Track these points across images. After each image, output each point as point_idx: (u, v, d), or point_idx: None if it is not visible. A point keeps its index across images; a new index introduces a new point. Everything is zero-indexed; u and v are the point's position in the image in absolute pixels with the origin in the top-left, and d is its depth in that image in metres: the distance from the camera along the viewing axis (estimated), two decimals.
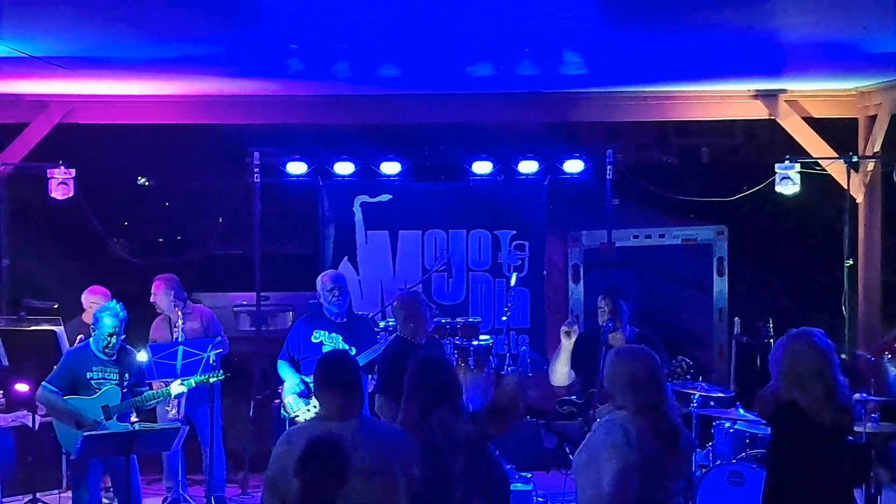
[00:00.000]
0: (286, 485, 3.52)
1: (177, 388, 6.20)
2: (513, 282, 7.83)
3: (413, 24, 5.51)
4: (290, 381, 6.51)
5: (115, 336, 5.86)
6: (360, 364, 5.72)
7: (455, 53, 6.50)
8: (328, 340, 6.48)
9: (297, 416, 6.40)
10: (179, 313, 6.96)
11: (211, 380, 6.23)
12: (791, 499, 3.92)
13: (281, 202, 10.06)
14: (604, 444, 3.70)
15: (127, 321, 6.00)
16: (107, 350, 5.87)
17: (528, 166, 8.11)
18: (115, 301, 6.11)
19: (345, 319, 6.56)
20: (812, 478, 3.87)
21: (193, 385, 6.24)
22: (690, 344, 8.90)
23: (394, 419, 5.52)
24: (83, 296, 7.23)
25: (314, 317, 6.65)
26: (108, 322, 5.84)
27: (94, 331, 5.93)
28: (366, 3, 5.11)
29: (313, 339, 6.51)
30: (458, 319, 7.62)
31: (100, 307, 6.04)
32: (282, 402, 6.58)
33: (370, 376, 6.30)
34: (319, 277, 6.67)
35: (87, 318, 6.95)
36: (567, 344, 5.93)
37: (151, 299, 7.11)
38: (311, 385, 6.26)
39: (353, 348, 6.36)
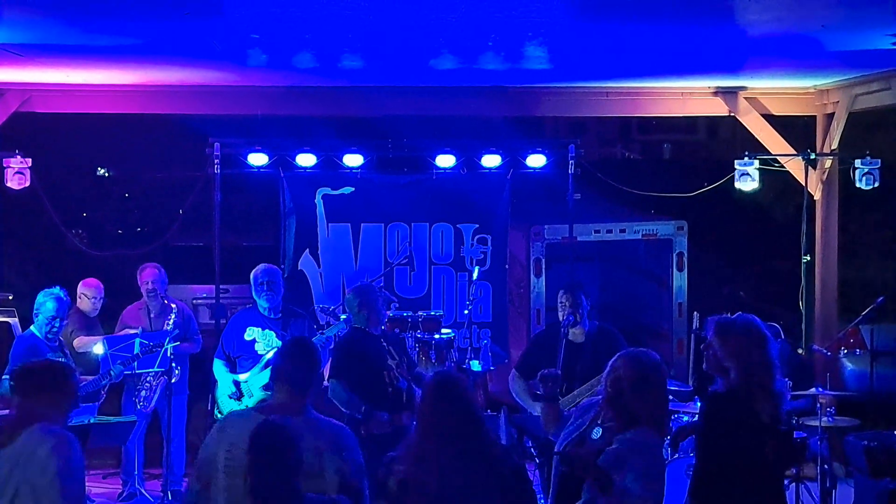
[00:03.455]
0: (211, 472, 3.59)
1: (99, 348, 6.30)
2: (475, 275, 7.83)
3: (376, 14, 5.48)
4: (222, 381, 6.40)
5: (57, 320, 5.99)
6: None
7: (419, 45, 6.48)
8: (261, 338, 6.36)
9: None
10: (174, 306, 6.90)
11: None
12: (711, 486, 3.98)
13: (242, 194, 10.00)
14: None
15: (68, 308, 6.15)
16: (50, 335, 6.00)
17: (491, 160, 8.10)
18: (58, 287, 6.12)
19: (279, 315, 6.41)
20: (732, 466, 3.92)
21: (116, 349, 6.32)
22: (650, 338, 8.98)
23: (345, 402, 5.60)
24: (78, 287, 7.07)
25: (249, 312, 6.51)
26: (50, 306, 5.98)
27: (36, 316, 6.02)
28: None
29: (246, 337, 6.38)
30: (420, 313, 7.57)
31: (43, 292, 6.06)
32: (215, 403, 6.47)
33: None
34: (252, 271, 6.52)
35: (81, 305, 6.91)
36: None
37: (149, 286, 6.92)
38: (243, 386, 6.26)
39: None
